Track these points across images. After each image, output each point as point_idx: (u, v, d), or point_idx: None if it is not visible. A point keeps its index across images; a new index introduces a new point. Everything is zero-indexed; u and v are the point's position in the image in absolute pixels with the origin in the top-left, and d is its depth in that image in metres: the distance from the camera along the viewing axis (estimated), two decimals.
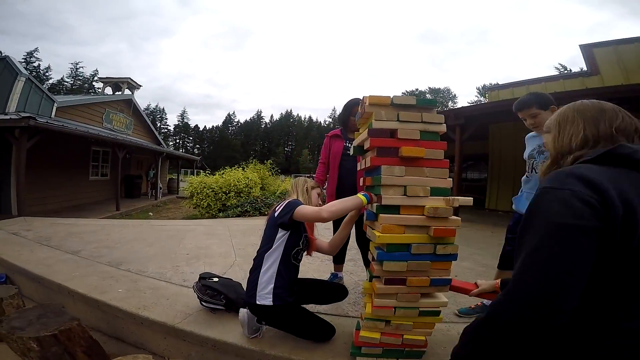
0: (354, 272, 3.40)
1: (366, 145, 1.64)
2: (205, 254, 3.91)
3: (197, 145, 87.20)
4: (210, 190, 8.79)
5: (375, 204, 1.60)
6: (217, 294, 2.23)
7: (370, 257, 1.75)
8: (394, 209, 1.52)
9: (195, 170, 21.11)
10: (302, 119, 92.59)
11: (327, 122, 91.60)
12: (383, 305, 1.56)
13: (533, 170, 2.16)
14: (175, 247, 4.25)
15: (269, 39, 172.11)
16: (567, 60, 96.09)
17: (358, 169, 1.96)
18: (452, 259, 1.54)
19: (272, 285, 1.74)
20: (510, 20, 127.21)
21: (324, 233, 3.48)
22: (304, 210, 1.73)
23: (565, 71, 32.90)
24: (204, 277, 2.41)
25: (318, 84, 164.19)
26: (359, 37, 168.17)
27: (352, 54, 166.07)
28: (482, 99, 56.49)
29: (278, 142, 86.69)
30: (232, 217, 7.82)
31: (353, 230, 2.82)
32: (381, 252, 1.51)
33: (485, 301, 2.35)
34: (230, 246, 4.42)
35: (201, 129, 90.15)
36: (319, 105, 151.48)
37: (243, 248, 4.32)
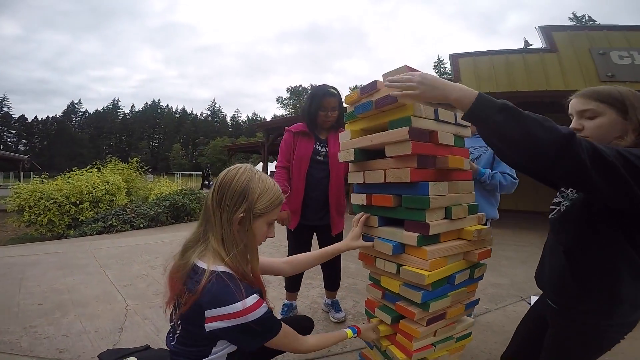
0: (302, 294, 2.80)
1: (394, 152, 1.16)
2: (72, 301, 2.63)
3: (24, 141, 68.58)
4: (51, 201, 6.51)
5: (416, 235, 1.15)
6: None
7: (379, 294, 1.39)
8: (435, 238, 1.22)
9: (22, 173, 16.09)
10: (174, 110, 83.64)
11: (204, 115, 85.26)
12: (423, 346, 1.34)
13: None
14: (14, 293, 2.78)
15: (133, 20, 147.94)
16: (419, 66, 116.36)
17: (351, 181, 1.40)
18: (481, 278, 1.43)
19: None
20: (382, 27, 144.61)
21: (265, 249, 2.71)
22: (281, 341, 1.03)
23: None
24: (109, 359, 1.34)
25: (194, 73, 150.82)
26: (241, 28, 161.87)
27: (235, 44, 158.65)
28: None
29: (141, 136, 75.93)
30: (91, 234, 5.97)
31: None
32: (426, 292, 1.22)
33: None
34: (107, 282, 3.13)
35: (30, 120, 70.78)
36: (195, 96, 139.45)
37: (130, 283, 3.11)
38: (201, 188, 17.71)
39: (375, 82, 1.20)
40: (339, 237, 2.12)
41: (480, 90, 0.87)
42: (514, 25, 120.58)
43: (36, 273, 3.40)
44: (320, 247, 2.20)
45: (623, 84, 6.80)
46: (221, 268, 0.95)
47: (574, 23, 29.65)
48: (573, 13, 30.76)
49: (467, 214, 1.27)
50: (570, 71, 8.95)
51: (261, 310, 0.94)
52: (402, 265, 1.23)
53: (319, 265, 2.23)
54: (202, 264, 0.95)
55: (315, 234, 2.21)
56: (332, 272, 2.30)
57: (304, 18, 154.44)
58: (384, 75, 1.13)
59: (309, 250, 2.21)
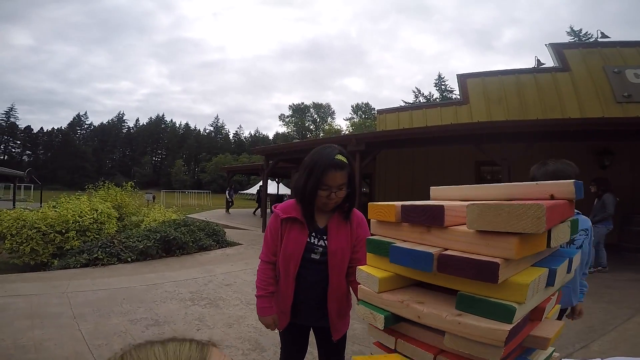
0: None
1: (463, 347, 0.60)
2: None
3: (28, 152, 68.95)
4: (34, 230, 6.10)
5: None
6: None
7: None
8: None
9: (23, 186, 15.77)
10: (177, 125, 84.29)
11: (207, 131, 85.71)
12: None
13: None
14: None
15: (141, 35, 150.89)
16: (417, 83, 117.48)
17: (373, 335, 0.84)
18: None
19: None
20: (381, 45, 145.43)
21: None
22: None
23: (420, 94, 39.09)
24: None
25: (198, 88, 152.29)
26: (243, 45, 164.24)
27: (237, 60, 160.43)
28: (355, 116, 62.25)
29: (144, 151, 76.16)
30: (74, 267, 5.53)
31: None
32: None
33: None
34: (80, 340, 2.71)
35: (35, 130, 71.27)
36: (198, 111, 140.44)
37: (106, 343, 2.68)
38: (255, 212, 16.63)
39: (441, 210, 0.60)
40: (342, 342, 1.63)
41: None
42: (509, 40, 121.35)
43: (2, 322, 3.04)
44: (319, 353, 1.68)
45: None
46: None
47: (572, 37, 29.47)
48: (571, 27, 30.35)
49: None
50: (584, 92, 8.53)
51: None
52: None
53: (314, 338, 1.72)
54: None
55: (313, 332, 1.70)
56: None
57: (305, 35, 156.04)
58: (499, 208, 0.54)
59: (304, 354, 1.71)
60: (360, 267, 0.76)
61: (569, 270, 0.66)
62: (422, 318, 0.64)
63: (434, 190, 0.80)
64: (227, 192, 18.43)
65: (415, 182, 9.18)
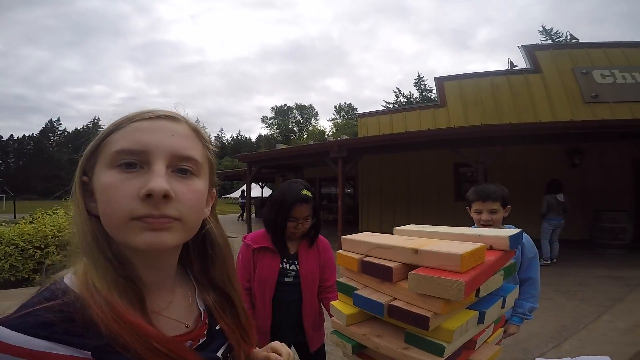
0: None
1: None
2: None
3: None
4: (12, 247, 6.01)
5: None
6: None
7: None
8: None
9: None
10: None
11: None
12: None
13: None
14: None
15: (116, 38, 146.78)
16: (398, 83, 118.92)
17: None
18: None
19: None
20: (361, 46, 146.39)
21: None
22: None
23: (400, 94, 39.74)
24: None
25: (176, 91, 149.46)
26: (222, 47, 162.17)
27: (217, 63, 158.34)
28: (338, 116, 62.71)
29: None
30: None
31: None
32: None
33: None
34: None
35: (5, 138, 68.53)
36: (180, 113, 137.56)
37: None
38: (239, 218, 16.11)
39: (390, 270, 0.73)
40: (321, 353, 1.79)
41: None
42: (483, 39, 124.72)
43: None
44: None
45: (607, 104, 6.79)
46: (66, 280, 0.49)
47: (544, 36, 30.67)
48: (542, 26, 31.61)
49: None
50: (555, 93, 8.91)
51: None
52: None
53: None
54: None
55: (293, 347, 1.85)
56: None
57: (286, 37, 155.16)
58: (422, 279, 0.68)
59: None
60: (332, 302, 0.90)
61: (503, 306, 0.79)
62: (379, 349, 0.78)
63: (396, 230, 0.92)
64: (240, 198, 18.24)
65: (397, 182, 9.41)
